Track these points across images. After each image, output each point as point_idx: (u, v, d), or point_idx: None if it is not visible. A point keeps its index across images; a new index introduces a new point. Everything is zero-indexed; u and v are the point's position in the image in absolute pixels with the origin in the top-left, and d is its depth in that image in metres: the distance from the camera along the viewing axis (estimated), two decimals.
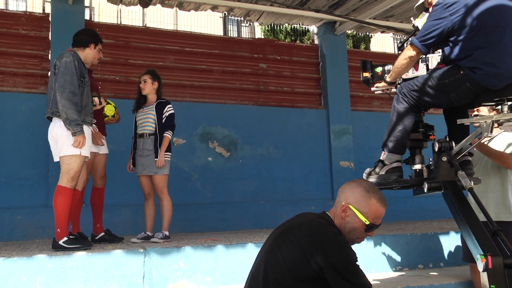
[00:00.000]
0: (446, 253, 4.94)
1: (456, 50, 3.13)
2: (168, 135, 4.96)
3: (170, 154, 5.05)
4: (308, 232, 2.27)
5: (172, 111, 5.06)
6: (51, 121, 4.33)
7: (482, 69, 3.02)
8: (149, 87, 5.10)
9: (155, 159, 4.88)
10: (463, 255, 4.00)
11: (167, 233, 4.86)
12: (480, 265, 2.34)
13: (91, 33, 4.66)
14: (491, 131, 3.08)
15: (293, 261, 2.22)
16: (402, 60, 3.33)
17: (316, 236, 2.24)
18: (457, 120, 3.37)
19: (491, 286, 2.30)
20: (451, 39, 3.14)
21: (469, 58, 3.08)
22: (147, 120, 5.01)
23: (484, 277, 2.33)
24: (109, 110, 4.96)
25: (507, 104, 3.08)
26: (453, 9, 3.09)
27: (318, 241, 2.22)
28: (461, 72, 3.12)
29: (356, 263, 2.23)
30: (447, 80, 3.19)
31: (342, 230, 2.39)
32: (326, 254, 2.18)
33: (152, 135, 4.97)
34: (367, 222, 2.36)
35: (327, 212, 2.48)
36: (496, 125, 3.36)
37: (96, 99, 4.59)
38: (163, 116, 4.99)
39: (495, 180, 3.78)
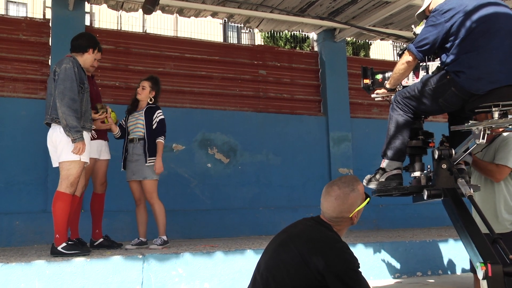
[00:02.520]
0: (444, 261, 4.93)
1: (449, 56, 3.14)
2: (162, 140, 4.95)
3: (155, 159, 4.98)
4: (308, 240, 2.27)
5: (162, 117, 5.02)
6: (49, 127, 4.33)
7: (465, 73, 3.01)
8: (145, 94, 5.05)
9: (146, 164, 4.84)
10: (470, 265, 3.89)
11: (165, 237, 4.84)
12: (480, 273, 2.34)
13: (89, 38, 4.63)
14: (484, 138, 3.05)
15: (295, 270, 2.21)
16: (399, 65, 3.36)
17: (317, 244, 2.24)
18: (451, 127, 3.37)
19: None
20: (447, 45, 3.15)
21: (455, 63, 3.08)
22: (137, 126, 4.99)
23: (484, 285, 2.32)
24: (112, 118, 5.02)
25: (497, 110, 3.05)
26: (448, 16, 3.10)
27: (319, 248, 2.22)
28: (447, 77, 3.13)
29: (359, 269, 2.23)
30: (434, 85, 3.20)
31: (355, 223, 2.45)
32: (328, 262, 2.18)
33: (141, 139, 4.94)
34: (367, 200, 2.45)
35: (322, 218, 2.47)
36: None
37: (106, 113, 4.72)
38: (154, 121, 4.96)
39: (487, 192, 3.66)
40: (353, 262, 2.23)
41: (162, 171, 4.89)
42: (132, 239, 5.03)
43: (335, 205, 2.42)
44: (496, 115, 3.01)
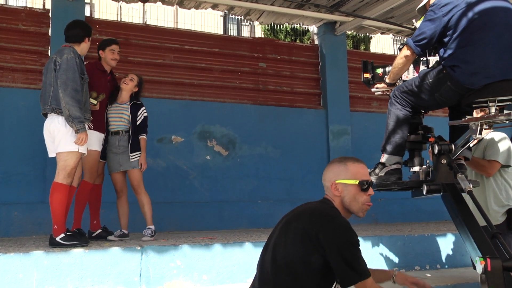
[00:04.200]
0: (442, 255, 4.94)
1: (446, 51, 3.14)
2: (145, 137, 5.02)
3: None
4: (311, 217, 2.34)
5: (146, 114, 5.07)
6: (46, 117, 4.32)
7: (460, 67, 3.02)
8: (131, 86, 5.10)
9: (130, 160, 4.89)
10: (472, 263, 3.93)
11: (153, 227, 4.89)
12: (479, 268, 2.34)
13: (84, 27, 4.57)
14: (480, 133, 3.06)
15: (299, 245, 2.27)
16: (398, 60, 3.37)
17: (318, 219, 2.31)
18: (449, 122, 3.37)
19: None
20: (445, 40, 3.14)
21: (452, 57, 3.09)
22: (121, 118, 4.99)
23: (482, 280, 2.33)
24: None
25: (494, 105, 3.04)
26: (446, 10, 3.09)
27: (320, 222, 2.28)
28: (444, 72, 3.13)
29: (358, 245, 2.27)
30: (431, 80, 3.22)
31: (346, 206, 2.46)
32: (328, 235, 2.23)
33: (127, 132, 4.97)
34: (357, 182, 2.44)
35: (326, 197, 2.54)
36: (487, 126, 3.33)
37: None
38: (138, 118, 4.99)
39: (478, 187, 3.70)
40: (353, 237, 2.27)
41: (131, 162, 4.91)
42: (130, 230, 5.04)
43: (324, 173, 2.57)
44: (493, 110, 3.01)
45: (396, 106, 3.42)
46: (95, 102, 4.67)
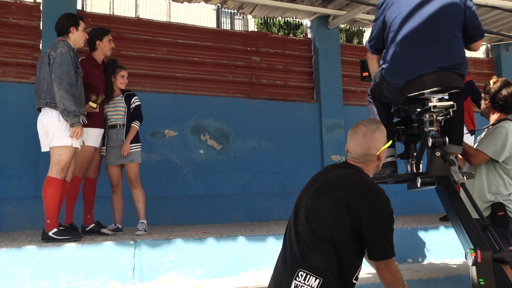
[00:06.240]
0: (435, 248, 4.97)
1: None
2: (135, 125, 5.00)
3: (140, 144, 5.08)
4: (347, 185, 2.31)
5: (139, 103, 5.11)
6: (40, 111, 4.29)
7: (384, 68, 3.12)
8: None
9: (131, 150, 4.93)
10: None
11: (145, 221, 4.92)
12: (470, 259, 2.35)
13: (67, 17, 4.50)
14: (432, 125, 3.11)
15: (335, 216, 2.23)
16: (368, 59, 3.53)
17: (356, 188, 2.29)
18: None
19: (480, 280, 2.31)
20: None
21: (381, 57, 3.18)
22: (118, 112, 5.01)
23: (473, 271, 2.34)
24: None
25: (435, 98, 3.07)
26: (382, 9, 3.19)
27: (359, 192, 2.26)
28: (381, 72, 3.20)
29: (393, 214, 2.28)
30: (377, 79, 3.32)
31: (378, 168, 2.52)
32: (367, 205, 2.22)
33: (125, 125, 4.99)
34: (389, 143, 2.54)
35: (350, 161, 2.49)
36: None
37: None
38: (130, 107, 5.03)
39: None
40: (390, 206, 2.28)
41: (128, 155, 4.93)
42: (124, 225, 5.04)
43: (363, 142, 2.45)
44: (433, 101, 3.06)
45: (371, 103, 3.57)
46: (95, 105, 4.64)
